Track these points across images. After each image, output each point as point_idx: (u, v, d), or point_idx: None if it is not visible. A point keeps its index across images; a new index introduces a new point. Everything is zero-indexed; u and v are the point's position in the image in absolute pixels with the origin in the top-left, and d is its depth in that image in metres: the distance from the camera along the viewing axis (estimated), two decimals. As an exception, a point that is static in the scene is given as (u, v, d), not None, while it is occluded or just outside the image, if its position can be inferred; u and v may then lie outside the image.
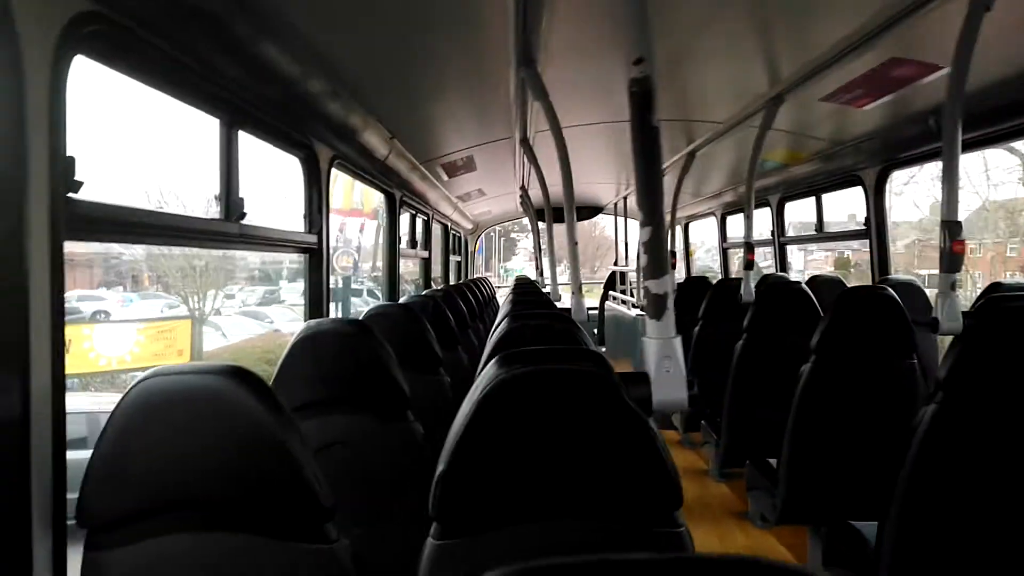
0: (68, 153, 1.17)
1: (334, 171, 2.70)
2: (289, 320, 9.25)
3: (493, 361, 1.08)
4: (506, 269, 21.17)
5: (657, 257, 1.29)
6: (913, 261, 11.29)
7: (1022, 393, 1.55)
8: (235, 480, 1.09)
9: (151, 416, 1.07)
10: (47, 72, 1.11)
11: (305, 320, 2.39)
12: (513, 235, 24.42)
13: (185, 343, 6.03)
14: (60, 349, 1.14)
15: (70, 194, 1.18)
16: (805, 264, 12.29)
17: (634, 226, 7.36)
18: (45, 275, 1.11)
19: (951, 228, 1.83)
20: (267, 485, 1.09)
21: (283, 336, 8.37)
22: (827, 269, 12.73)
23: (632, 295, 6.67)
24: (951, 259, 1.84)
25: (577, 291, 2.46)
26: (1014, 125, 2.52)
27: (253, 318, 9.33)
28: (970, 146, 2.50)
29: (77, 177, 1.20)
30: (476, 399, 1.02)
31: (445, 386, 2.41)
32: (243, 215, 1.92)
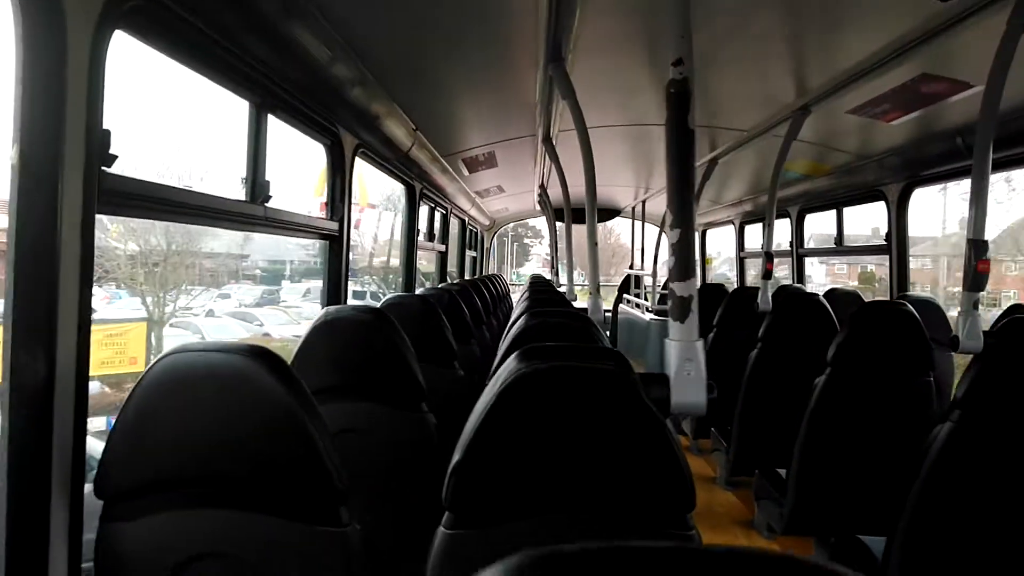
0: (104, 126, 1.18)
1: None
2: (281, 324, 8.64)
3: (513, 355, 1.08)
4: (519, 275, 21.17)
5: (684, 259, 1.28)
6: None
7: None
8: (252, 459, 1.10)
9: (173, 391, 1.08)
10: (88, 44, 1.12)
11: (323, 306, 2.40)
12: (526, 241, 24.38)
13: (139, 350, 5.14)
14: (86, 320, 1.15)
15: (103, 168, 1.19)
16: (827, 277, 12.09)
17: (651, 230, 7.32)
18: (76, 246, 1.12)
19: (977, 247, 1.80)
20: (284, 465, 1.10)
21: (271, 341, 7.86)
22: (850, 284, 12.53)
23: (647, 299, 6.63)
24: (975, 278, 1.81)
25: (595, 291, 2.45)
26: None
27: (242, 320, 8.68)
28: (999, 166, 2.46)
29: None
30: (495, 392, 1.02)
31: (459, 379, 2.41)
32: (268, 198, 1.93)
